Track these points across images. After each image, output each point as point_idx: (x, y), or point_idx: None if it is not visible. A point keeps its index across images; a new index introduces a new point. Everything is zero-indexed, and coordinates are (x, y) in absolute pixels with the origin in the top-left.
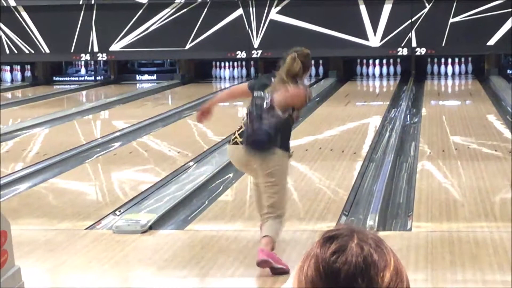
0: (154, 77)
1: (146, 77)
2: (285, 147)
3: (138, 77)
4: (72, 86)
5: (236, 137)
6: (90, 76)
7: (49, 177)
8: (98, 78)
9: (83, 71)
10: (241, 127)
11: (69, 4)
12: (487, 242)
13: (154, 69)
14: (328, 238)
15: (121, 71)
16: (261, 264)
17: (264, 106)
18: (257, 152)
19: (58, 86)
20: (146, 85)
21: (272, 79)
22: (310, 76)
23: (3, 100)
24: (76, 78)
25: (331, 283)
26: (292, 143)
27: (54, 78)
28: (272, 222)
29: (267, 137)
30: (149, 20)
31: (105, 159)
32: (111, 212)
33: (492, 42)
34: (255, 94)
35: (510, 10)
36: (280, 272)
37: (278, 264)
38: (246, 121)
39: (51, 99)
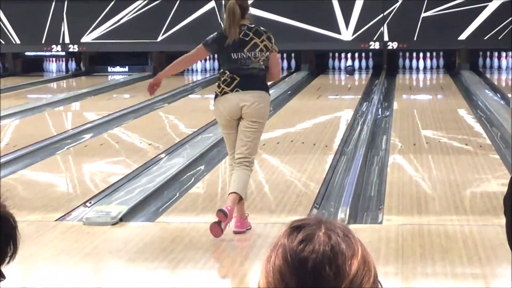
0: (126, 69)
1: (118, 69)
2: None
3: (110, 69)
4: (44, 78)
5: (223, 89)
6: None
7: (18, 169)
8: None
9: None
10: (225, 80)
11: None
12: (457, 235)
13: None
14: (295, 228)
15: (92, 62)
16: (218, 213)
17: (251, 64)
18: (254, 90)
19: (29, 77)
20: (118, 77)
21: (226, 37)
22: (282, 69)
23: None
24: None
25: (298, 272)
26: (264, 135)
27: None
28: (245, 172)
29: (262, 78)
30: (121, 11)
31: (76, 151)
32: (82, 204)
33: (463, 36)
34: (234, 56)
35: (481, 5)
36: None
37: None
38: (231, 74)
39: (22, 90)
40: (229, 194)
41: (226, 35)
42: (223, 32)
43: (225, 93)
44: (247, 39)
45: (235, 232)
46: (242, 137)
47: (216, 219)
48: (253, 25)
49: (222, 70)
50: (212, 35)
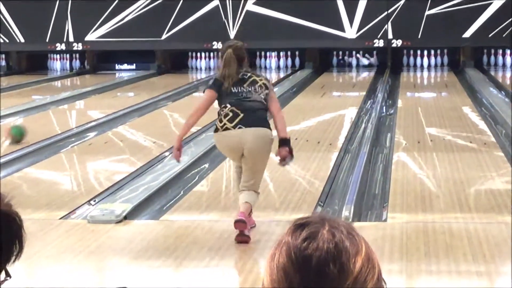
0: (134, 66)
1: (125, 66)
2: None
3: (117, 66)
4: (48, 76)
5: (225, 124)
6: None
7: (23, 167)
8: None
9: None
10: (227, 114)
11: None
12: (462, 233)
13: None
14: (299, 226)
15: (100, 60)
16: (238, 224)
17: (253, 97)
18: (257, 126)
19: (33, 76)
20: (123, 74)
21: (225, 80)
22: (286, 67)
23: None
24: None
25: (302, 269)
26: None
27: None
28: (252, 193)
29: (265, 114)
30: (125, 10)
31: (80, 149)
32: (86, 202)
33: (467, 34)
34: (234, 90)
35: (485, 2)
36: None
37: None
38: (231, 108)
39: (26, 89)
40: (240, 203)
41: (222, 82)
42: (219, 78)
43: (227, 128)
44: (246, 77)
45: (237, 221)
46: (246, 173)
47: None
48: (249, 73)
49: (223, 105)
50: (213, 79)
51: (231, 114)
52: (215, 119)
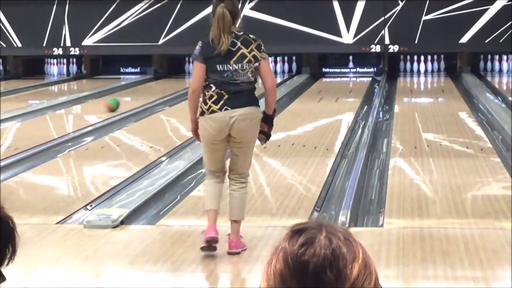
0: (138, 69)
1: (130, 69)
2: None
3: (122, 69)
4: (45, 81)
5: (210, 106)
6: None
7: (20, 172)
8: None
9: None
10: (211, 96)
11: None
12: (458, 238)
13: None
14: (296, 231)
15: (104, 63)
16: (233, 253)
17: (239, 78)
18: (244, 106)
19: (30, 80)
20: (120, 80)
21: (212, 48)
22: (283, 72)
23: None
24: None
25: (299, 275)
26: None
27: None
28: (244, 194)
29: (252, 92)
30: (123, 14)
31: (77, 154)
32: (83, 207)
33: (464, 40)
34: (219, 67)
35: (482, 8)
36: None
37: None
38: (217, 90)
39: (23, 93)
40: (231, 220)
41: (213, 45)
42: (209, 41)
43: (213, 111)
44: (233, 49)
45: (230, 253)
46: (235, 157)
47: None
48: (241, 33)
49: (207, 83)
50: (197, 47)
51: (216, 96)
52: None
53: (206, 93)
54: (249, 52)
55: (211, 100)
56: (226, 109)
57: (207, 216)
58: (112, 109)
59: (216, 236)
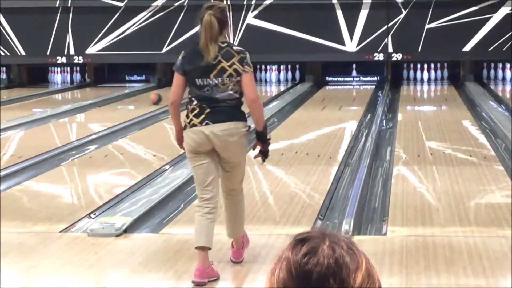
0: (143, 77)
1: (134, 78)
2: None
3: (127, 77)
4: (49, 89)
5: (192, 120)
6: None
7: (23, 180)
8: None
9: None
10: (193, 109)
11: (45, 7)
12: (462, 247)
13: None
14: (300, 241)
15: (110, 72)
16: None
17: (218, 94)
18: (226, 121)
19: (34, 89)
20: (123, 88)
21: (199, 57)
22: (287, 80)
23: None
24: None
25: (303, 284)
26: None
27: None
28: (242, 205)
29: (234, 106)
30: (126, 23)
31: (81, 162)
32: (86, 215)
33: (467, 48)
34: (199, 82)
35: (485, 16)
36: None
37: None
38: (198, 104)
39: (27, 101)
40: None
41: (199, 54)
42: (193, 52)
43: (194, 125)
44: (213, 62)
45: (234, 262)
46: (225, 173)
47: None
48: (225, 44)
49: (190, 96)
50: (179, 57)
51: (197, 109)
52: None
53: (189, 106)
54: (230, 66)
55: (193, 114)
56: (207, 124)
57: (197, 254)
58: (157, 101)
59: (204, 281)
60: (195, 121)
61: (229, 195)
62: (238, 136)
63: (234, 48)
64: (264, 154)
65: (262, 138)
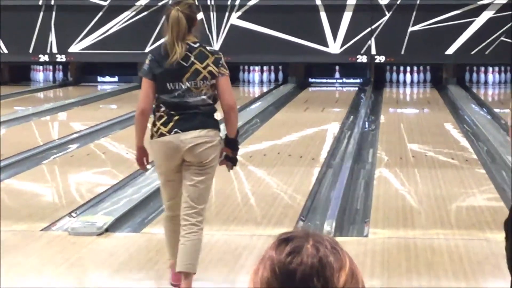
0: (116, 78)
1: (107, 78)
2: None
3: (99, 78)
4: (31, 87)
5: (159, 128)
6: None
7: (4, 178)
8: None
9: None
10: (161, 117)
11: (28, 5)
12: (443, 249)
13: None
14: (283, 240)
15: (82, 72)
16: None
17: (191, 99)
18: (197, 129)
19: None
20: (105, 87)
21: (168, 59)
22: (270, 81)
23: None
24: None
25: (286, 284)
26: (251, 147)
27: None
28: (197, 242)
29: (207, 112)
30: (110, 22)
31: (62, 161)
32: (67, 214)
33: (450, 51)
34: (169, 86)
35: (468, 20)
36: None
37: None
38: (167, 110)
39: (8, 100)
40: (180, 272)
41: (166, 54)
42: (161, 52)
43: (162, 134)
44: (186, 64)
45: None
46: (188, 187)
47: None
48: (196, 44)
49: (156, 102)
50: (146, 60)
51: (165, 117)
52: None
53: (156, 114)
54: (204, 68)
55: (160, 122)
56: (176, 132)
57: (170, 265)
58: None
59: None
60: (163, 130)
61: (190, 223)
62: (211, 145)
63: (208, 48)
64: (232, 161)
65: (233, 146)
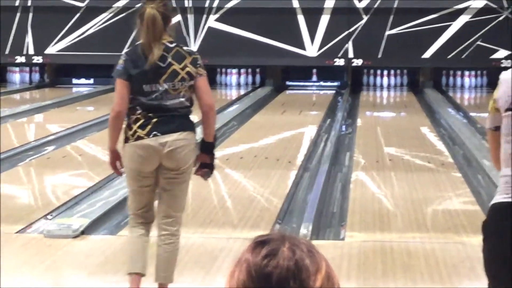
0: (91, 81)
1: (83, 81)
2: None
3: (74, 81)
4: (7, 89)
5: (136, 132)
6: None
7: None
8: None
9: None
10: (137, 119)
11: (4, 6)
12: (419, 252)
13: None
14: (260, 243)
15: (58, 74)
16: None
17: (169, 101)
18: (177, 131)
19: None
20: (82, 89)
21: (143, 59)
22: (247, 84)
23: None
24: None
25: (263, 286)
26: (228, 150)
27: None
28: (174, 252)
29: (185, 114)
30: (87, 24)
31: (38, 163)
32: (43, 216)
33: (427, 55)
34: (146, 88)
35: (445, 24)
36: None
37: None
38: (144, 113)
39: None
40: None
41: (143, 55)
42: (135, 53)
43: (140, 137)
44: (163, 65)
45: None
46: (167, 193)
47: None
48: (173, 44)
49: (132, 105)
50: (120, 61)
51: (142, 119)
52: None
53: (131, 116)
54: (182, 69)
55: (137, 124)
56: (155, 135)
57: (129, 280)
58: None
59: None
60: (141, 132)
61: (167, 232)
62: (188, 149)
63: (185, 48)
64: (210, 168)
65: (210, 150)
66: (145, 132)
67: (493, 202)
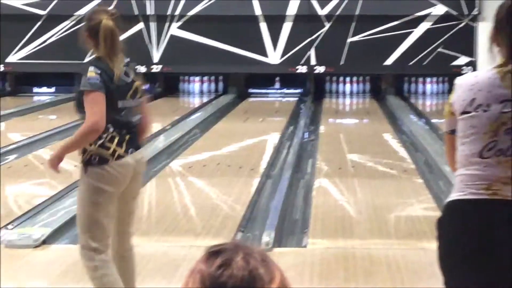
0: (53, 89)
1: (44, 89)
2: None
3: (35, 89)
4: None
5: (115, 150)
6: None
7: None
8: None
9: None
10: (112, 138)
11: None
12: (381, 259)
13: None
14: (213, 253)
15: (18, 82)
16: None
17: (134, 117)
18: (141, 147)
19: None
20: (44, 98)
21: (112, 74)
22: (210, 92)
23: None
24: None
25: None
26: (190, 158)
27: None
28: (133, 261)
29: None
30: (48, 32)
31: None
32: (3, 226)
33: (389, 62)
34: (119, 104)
35: (407, 31)
36: None
37: None
38: (117, 130)
39: None
40: None
41: (109, 69)
42: (101, 65)
43: (120, 156)
44: (129, 81)
45: None
46: (129, 216)
47: None
48: (127, 59)
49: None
50: (92, 73)
51: (117, 137)
52: None
53: (103, 135)
54: (141, 85)
55: (114, 143)
56: (131, 151)
57: None
58: None
59: None
60: (120, 151)
61: (131, 250)
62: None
63: (131, 64)
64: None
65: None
66: (123, 149)
67: (448, 200)
